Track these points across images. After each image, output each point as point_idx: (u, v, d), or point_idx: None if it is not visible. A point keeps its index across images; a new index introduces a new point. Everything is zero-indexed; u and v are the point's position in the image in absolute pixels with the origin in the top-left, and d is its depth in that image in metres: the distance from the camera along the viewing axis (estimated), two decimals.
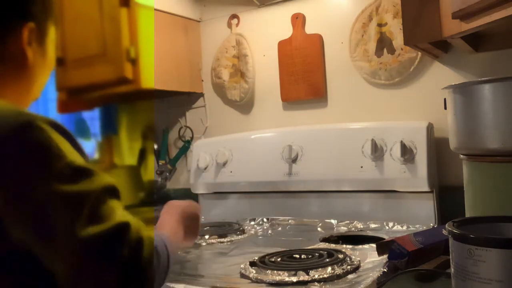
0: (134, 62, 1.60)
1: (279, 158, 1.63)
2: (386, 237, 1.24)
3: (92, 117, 2.13)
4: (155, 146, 2.05)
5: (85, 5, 1.65)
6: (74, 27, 1.66)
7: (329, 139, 1.58)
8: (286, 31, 1.77)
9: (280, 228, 1.57)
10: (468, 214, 1.06)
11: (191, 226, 0.99)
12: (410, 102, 1.57)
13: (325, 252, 1.14)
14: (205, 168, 1.77)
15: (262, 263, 1.08)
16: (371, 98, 1.64)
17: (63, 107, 1.83)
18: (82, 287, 0.63)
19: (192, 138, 2.00)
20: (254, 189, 1.70)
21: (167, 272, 0.74)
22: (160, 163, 2.02)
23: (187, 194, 1.86)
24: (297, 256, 1.15)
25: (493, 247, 0.68)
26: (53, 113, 1.85)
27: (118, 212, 0.66)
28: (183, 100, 2.02)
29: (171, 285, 1.01)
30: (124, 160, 2.10)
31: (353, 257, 1.10)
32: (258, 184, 1.69)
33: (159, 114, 2.07)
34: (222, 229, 1.54)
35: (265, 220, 1.63)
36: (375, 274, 0.98)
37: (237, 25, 1.89)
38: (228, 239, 1.43)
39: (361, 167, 1.49)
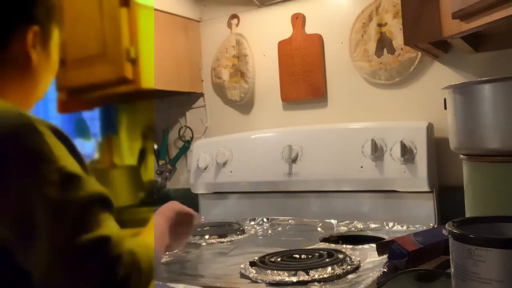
0: (134, 62, 1.60)
1: (279, 158, 1.63)
2: (386, 237, 1.24)
3: (92, 117, 2.13)
4: (155, 146, 2.05)
5: (85, 5, 1.65)
6: (74, 27, 1.66)
7: (329, 139, 1.58)
8: (286, 31, 1.77)
9: (280, 228, 1.57)
10: (468, 214, 1.06)
11: (182, 231, 0.99)
12: (410, 102, 1.57)
13: (325, 252, 1.14)
14: (205, 168, 1.77)
15: (262, 263, 1.08)
16: (371, 98, 1.64)
17: (63, 107, 1.83)
18: None
19: (192, 138, 2.00)
20: (254, 189, 1.70)
21: (149, 282, 0.73)
22: (160, 163, 2.02)
23: (187, 194, 1.87)
24: (297, 256, 1.15)
25: (493, 247, 0.68)
26: (53, 113, 1.85)
27: (105, 224, 0.66)
28: (183, 100, 2.02)
29: (171, 285, 1.01)
30: (124, 160, 2.10)
31: (353, 257, 1.10)
32: (258, 184, 1.69)
33: (159, 114, 2.07)
34: (222, 229, 1.54)
35: (265, 220, 1.63)
36: (375, 274, 0.98)
37: (237, 25, 1.89)
38: (228, 239, 1.43)
39: (361, 167, 1.49)
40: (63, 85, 1.75)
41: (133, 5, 1.61)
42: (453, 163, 1.44)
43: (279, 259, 1.12)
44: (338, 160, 1.54)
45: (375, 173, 1.47)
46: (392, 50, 1.57)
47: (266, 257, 1.13)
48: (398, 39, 1.54)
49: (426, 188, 1.41)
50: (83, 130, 2.12)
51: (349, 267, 1.03)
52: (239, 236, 1.47)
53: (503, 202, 0.96)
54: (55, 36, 0.90)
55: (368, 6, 1.61)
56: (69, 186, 0.65)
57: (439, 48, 1.41)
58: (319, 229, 1.50)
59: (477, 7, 0.98)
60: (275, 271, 1.02)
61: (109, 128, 2.13)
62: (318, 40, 1.71)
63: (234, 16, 1.89)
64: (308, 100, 1.75)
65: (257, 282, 1.01)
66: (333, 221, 1.51)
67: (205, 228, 1.56)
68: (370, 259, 1.10)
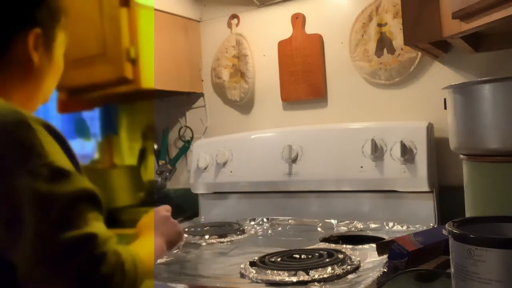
0: (134, 62, 1.60)
1: (279, 158, 1.63)
2: (386, 237, 1.24)
3: (92, 117, 2.12)
4: (155, 146, 2.05)
5: (85, 5, 1.65)
6: (74, 27, 1.65)
7: (329, 139, 1.58)
8: (286, 31, 1.77)
9: (280, 228, 1.57)
10: (468, 214, 1.06)
11: (170, 232, 1.00)
12: (410, 102, 1.57)
13: (325, 252, 1.14)
14: (205, 168, 1.77)
15: (262, 263, 1.08)
16: (371, 98, 1.64)
17: (63, 107, 1.83)
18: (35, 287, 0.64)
19: (192, 138, 2.00)
20: (254, 189, 1.70)
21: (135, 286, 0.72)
22: (160, 163, 2.02)
23: (187, 194, 1.87)
24: (297, 256, 1.15)
25: (493, 247, 0.68)
26: (53, 113, 1.85)
27: (91, 222, 0.67)
28: (183, 100, 2.02)
29: (171, 285, 1.02)
30: (124, 160, 2.10)
31: (353, 257, 1.10)
32: (258, 184, 1.69)
33: (159, 114, 2.07)
34: (222, 229, 1.54)
35: (265, 220, 1.63)
36: (375, 274, 0.98)
37: (237, 25, 1.89)
38: (228, 239, 1.43)
39: (361, 167, 1.49)
40: (63, 85, 1.74)
41: (133, 5, 1.61)
42: (453, 163, 1.44)
43: (279, 259, 1.12)
44: (338, 160, 1.54)
45: (375, 173, 1.47)
46: (392, 50, 1.57)
47: (266, 257, 1.13)
48: (398, 39, 1.54)
49: (426, 188, 1.41)
50: (83, 130, 2.12)
51: (349, 267, 1.03)
52: (239, 236, 1.47)
53: (503, 202, 0.96)
54: (60, 39, 0.90)
55: (368, 6, 1.61)
56: (57, 181, 0.66)
57: (439, 48, 1.41)
58: (319, 229, 1.50)
59: (477, 7, 0.98)
60: (275, 271, 1.02)
61: (109, 128, 2.13)
62: (318, 40, 1.71)
63: (234, 16, 1.89)
64: (308, 100, 1.75)
65: (257, 282, 1.01)
66: (333, 221, 1.51)
67: (205, 228, 1.56)
68: (370, 259, 1.10)
